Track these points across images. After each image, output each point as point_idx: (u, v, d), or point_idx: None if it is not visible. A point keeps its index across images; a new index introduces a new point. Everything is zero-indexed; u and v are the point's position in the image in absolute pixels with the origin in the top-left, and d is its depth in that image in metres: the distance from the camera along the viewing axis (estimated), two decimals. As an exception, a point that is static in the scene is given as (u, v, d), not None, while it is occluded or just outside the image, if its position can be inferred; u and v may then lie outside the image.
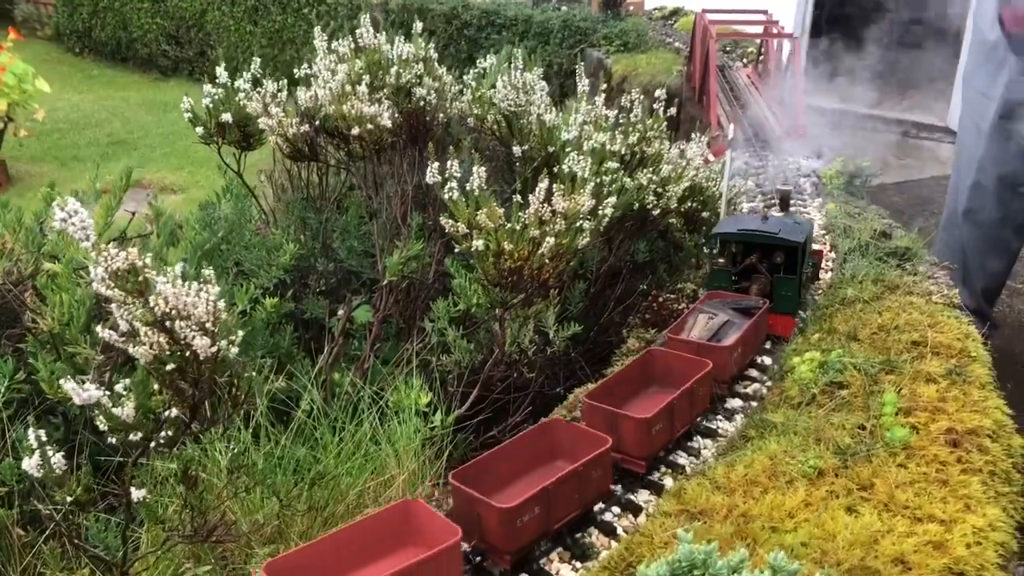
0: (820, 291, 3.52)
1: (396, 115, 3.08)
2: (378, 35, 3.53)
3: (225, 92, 3.30)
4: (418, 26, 3.26)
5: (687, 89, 7.62)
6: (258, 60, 3.45)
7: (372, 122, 2.91)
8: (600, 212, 2.35)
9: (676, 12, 9.75)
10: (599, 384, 2.44)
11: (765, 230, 3.00)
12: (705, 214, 3.95)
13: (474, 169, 2.27)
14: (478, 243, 2.21)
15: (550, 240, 2.23)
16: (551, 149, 3.25)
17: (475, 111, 3.41)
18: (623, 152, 3.15)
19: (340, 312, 3.22)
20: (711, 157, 3.67)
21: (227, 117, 3.22)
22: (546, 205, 2.27)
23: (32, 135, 9.39)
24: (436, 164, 2.22)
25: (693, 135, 3.91)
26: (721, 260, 3.09)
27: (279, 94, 3.38)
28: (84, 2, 14.12)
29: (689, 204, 3.89)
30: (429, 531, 1.85)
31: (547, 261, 2.27)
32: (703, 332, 2.72)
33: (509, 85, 3.32)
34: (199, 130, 3.30)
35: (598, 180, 3.01)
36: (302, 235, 3.73)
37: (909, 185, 9.19)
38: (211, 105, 3.30)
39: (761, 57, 7.38)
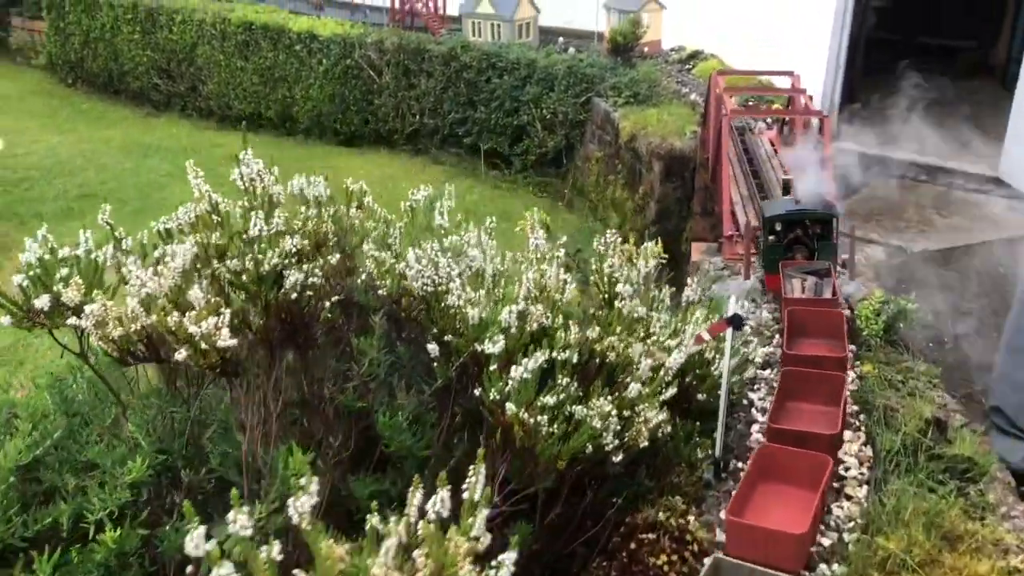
0: (852, 523, 2.60)
1: (257, 314, 2.21)
2: (265, 173, 2.65)
3: (43, 267, 2.44)
4: (321, 182, 2.39)
5: (702, 154, 6.70)
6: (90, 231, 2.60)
7: (207, 342, 2.04)
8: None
9: (695, 56, 8.80)
10: None
11: (808, 208, 3.90)
12: (701, 396, 3.03)
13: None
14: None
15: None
16: (479, 348, 2.36)
17: (384, 285, 2.53)
18: (574, 360, 2.26)
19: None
20: (706, 336, 2.76)
21: (42, 303, 2.36)
22: None
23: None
24: None
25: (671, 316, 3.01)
26: (772, 237, 3.96)
27: (125, 255, 2.52)
28: (75, 32, 13.46)
29: (685, 380, 3.00)
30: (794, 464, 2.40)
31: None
32: (807, 292, 3.67)
33: (425, 259, 2.43)
34: (5, 320, 2.44)
35: (532, 421, 2.12)
36: (170, 430, 2.87)
37: (958, 253, 8.12)
38: (26, 284, 2.44)
39: (787, 120, 6.42)
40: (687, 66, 8.67)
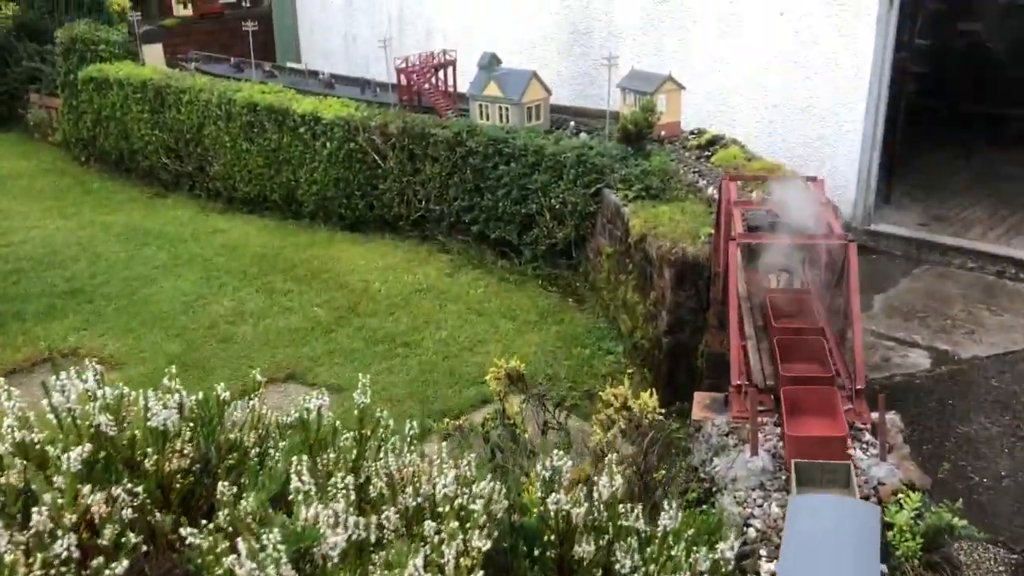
0: None
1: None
2: (95, 392, 2.03)
3: None
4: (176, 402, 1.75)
5: (715, 263, 6.01)
6: None
7: None
8: None
9: (714, 142, 8.15)
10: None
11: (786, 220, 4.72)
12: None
13: None
14: None
15: None
16: None
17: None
18: None
19: None
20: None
21: None
22: None
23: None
24: None
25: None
26: None
27: None
28: (88, 110, 13.24)
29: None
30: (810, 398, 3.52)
31: None
32: (783, 284, 5.05)
33: (262, 554, 1.76)
34: None
35: None
36: None
37: (1014, 358, 7.24)
38: None
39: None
40: (706, 152, 8.01)
